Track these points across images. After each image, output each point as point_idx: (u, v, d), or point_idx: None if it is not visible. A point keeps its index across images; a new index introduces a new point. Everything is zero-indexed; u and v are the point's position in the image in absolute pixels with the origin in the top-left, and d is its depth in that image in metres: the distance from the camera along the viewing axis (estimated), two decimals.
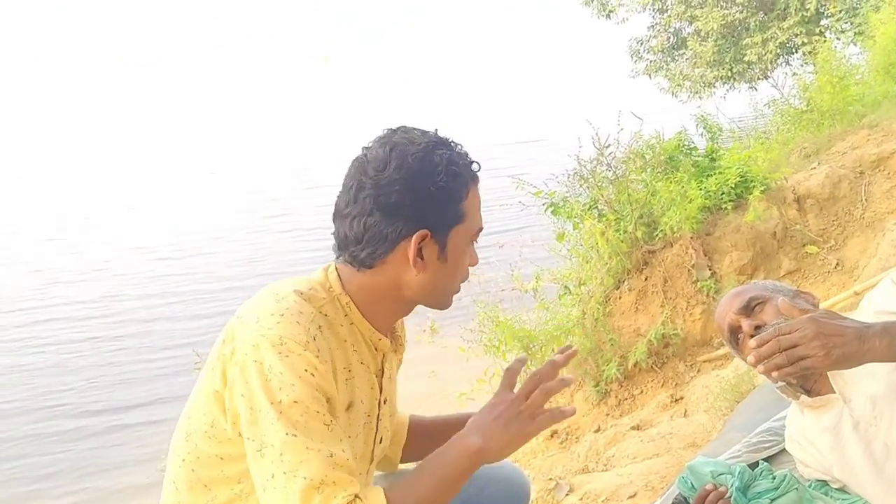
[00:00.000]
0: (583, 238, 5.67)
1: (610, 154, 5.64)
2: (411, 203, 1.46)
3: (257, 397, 1.37)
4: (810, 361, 1.46)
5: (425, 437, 1.89)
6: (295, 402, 1.36)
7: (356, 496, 1.35)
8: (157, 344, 9.21)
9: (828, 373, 1.81)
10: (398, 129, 1.54)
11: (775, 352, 1.48)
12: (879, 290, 1.83)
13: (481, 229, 1.59)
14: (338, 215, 1.52)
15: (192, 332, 9.01)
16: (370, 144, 1.53)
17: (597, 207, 5.61)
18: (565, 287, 5.78)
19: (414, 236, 1.47)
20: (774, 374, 1.52)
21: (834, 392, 1.80)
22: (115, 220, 15.90)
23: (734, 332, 1.91)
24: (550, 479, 3.78)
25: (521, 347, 5.55)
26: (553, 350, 5.52)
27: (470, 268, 1.62)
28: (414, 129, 1.55)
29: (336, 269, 1.56)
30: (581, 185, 5.66)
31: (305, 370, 1.38)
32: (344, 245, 1.52)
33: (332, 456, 1.35)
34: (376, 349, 1.60)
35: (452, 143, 1.55)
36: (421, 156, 1.47)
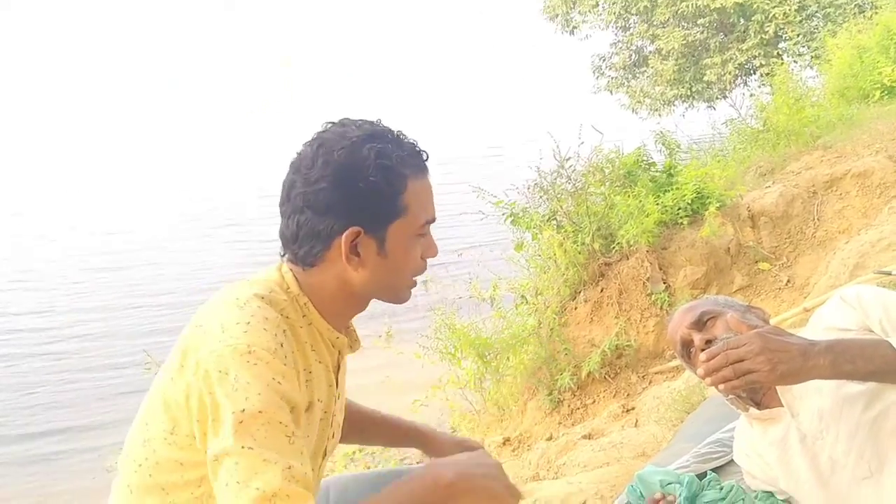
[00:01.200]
0: (541, 249, 5.73)
1: (570, 167, 5.70)
2: (340, 200, 1.43)
3: (220, 408, 1.33)
4: (756, 376, 1.49)
5: (356, 423, 1.91)
6: (260, 411, 1.32)
7: None
8: (100, 362, 8.81)
9: (777, 387, 1.85)
10: (337, 122, 1.51)
11: (723, 365, 1.50)
12: (828, 306, 1.87)
13: (431, 220, 1.54)
14: (280, 214, 1.51)
15: (136, 348, 8.47)
16: (307, 140, 1.50)
17: (555, 219, 5.66)
18: (522, 297, 5.83)
19: (344, 234, 1.44)
20: (721, 386, 1.54)
21: (782, 406, 1.84)
22: (51, 230, 15.07)
23: (686, 345, 1.94)
24: None
25: (476, 355, 5.57)
26: (508, 359, 5.56)
27: (428, 259, 1.57)
28: (354, 121, 1.51)
29: (289, 268, 1.54)
30: (541, 197, 5.71)
31: (273, 378, 1.35)
32: (285, 243, 1.51)
33: (289, 468, 1.31)
34: (333, 346, 1.59)
35: (390, 135, 1.50)
36: (348, 151, 1.43)
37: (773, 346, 1.47)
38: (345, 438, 1.93)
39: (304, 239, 1.46)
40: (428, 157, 1.53)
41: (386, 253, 1.49)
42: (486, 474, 1.45)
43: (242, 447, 1.30)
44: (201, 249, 13.33)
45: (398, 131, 1.52)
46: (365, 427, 1.97)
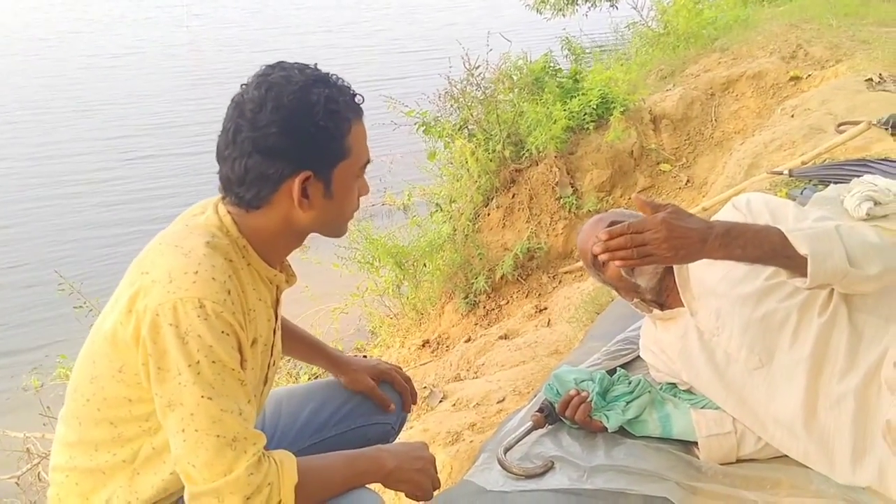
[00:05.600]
0: (453, 157, 5.82)
1: (479, 75, 5.75)
2: (290, 144, 1.45)
3: (170, 359, 1.39)
4: (656, 259, 1.62)
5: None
6: (213, 362, 1.40)
7: (263, 452, 1.46)
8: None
9: (678, 289, 2.02)
10: (276, 66, 1.51)
11: (625, 247, 1.61)
12: (722, 213, 2.03)
13: (368, 161, 1.59)
14: (220, 157, 1.50)
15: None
16: (247, 83, 1.50)
17: (467, 127, 5.74)
18: (437, 205, 5.94)
19: (296, 179, 1.47)
20: (618, 263, 1.67)
21: (683, 306, 2.02)
22: None
23: (597, 256, 2.09)
24: (425, 386, 3.97)
25: (394, 263, 5.70)
26: (425, 265, 5.71)
27: (361, 198, 1.63)
28: (293, 65, 1.51)
29: (227, 210, 1.56)
30: (451, 106, 5.75)
31: (223, 331, 1.42)
32: (228, 186, 1.51)
33: (241, 413, 1.43)
34: (271, 283, 1.65)
35: (332, 79, 1.52)
36: (298, 96, 1.45)
37: (676, 234, 1.59)
38: None
39: (252, 182, 1.48)
40: (363, 100, 1.58)
41: (332, 194, 1.53)
42: (421, 469, 1.70)
43: (202, 397, 1.40)
44: None
45: (336, 76, 1.55)
46: (285, 341, 2.05)
